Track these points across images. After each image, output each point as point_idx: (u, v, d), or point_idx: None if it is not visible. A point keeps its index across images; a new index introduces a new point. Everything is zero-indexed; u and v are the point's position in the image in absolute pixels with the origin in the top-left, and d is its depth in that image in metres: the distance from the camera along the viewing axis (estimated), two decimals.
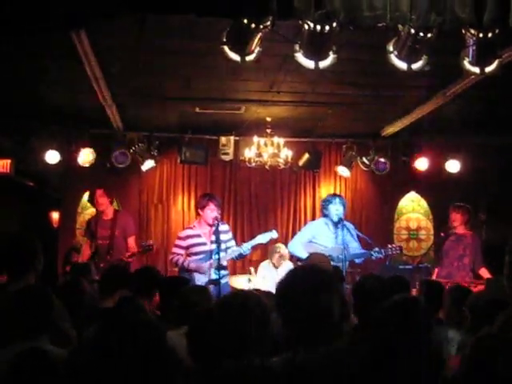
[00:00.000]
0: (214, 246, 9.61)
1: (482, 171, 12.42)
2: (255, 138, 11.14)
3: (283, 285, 3.31)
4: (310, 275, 3.24)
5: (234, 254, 9.79)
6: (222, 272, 9.41)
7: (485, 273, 9.89)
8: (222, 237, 9.60)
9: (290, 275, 3.33)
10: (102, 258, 10.05)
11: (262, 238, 10.02)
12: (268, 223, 12.73)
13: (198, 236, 9.94)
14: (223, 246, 9.56)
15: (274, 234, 10.11)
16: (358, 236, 10.17)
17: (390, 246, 10.26)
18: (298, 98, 10.23)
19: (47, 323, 4.40)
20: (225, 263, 9.70)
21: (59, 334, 4.63)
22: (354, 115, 11.17)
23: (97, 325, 3.08)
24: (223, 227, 10.03)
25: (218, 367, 3.25)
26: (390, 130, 11.95)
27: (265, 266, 11.11)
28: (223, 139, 11.88)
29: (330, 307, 3.14)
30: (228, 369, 3.16)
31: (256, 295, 3.65)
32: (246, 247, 9.86)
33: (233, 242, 10.16)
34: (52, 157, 11.22)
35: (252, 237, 11.92)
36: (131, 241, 10.54)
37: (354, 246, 10.00)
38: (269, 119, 11.16)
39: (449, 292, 6.35)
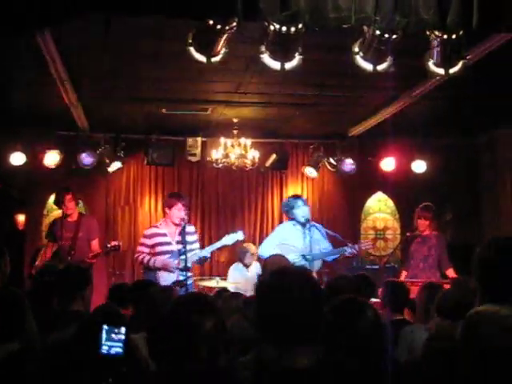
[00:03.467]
0: (179, 247, 9.56)
1: (447, 171, 12.54)
2: (222, 139, 11.15)
3: (265, 287, 3.29)
4: (295, 278, 3.24)
5: (194, 257, 9.69)
6: (188, 273, 9.39)
7: (452, 273, 9.94)
8: (188, 238, 9.55)
9: (274, 276, 3.32)
10: (64, 259, 9.91)
11: (228, 240, 9.94)
12: (235, 224, 12.74)
13: (164, 235, 9.84)
14: (188, 247, 9.47)
15: (239, 236, 9.99)
16: (327, 234, 10.14)
17: (362, 241, 10.30)
18: (265, 99, 10.26)
19: (21, 326, 4.37)
20: (189, 265, 9.61)
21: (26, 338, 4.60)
22: (321, 116, 11.21)
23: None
24: (190, 228, 9.97)
25: (180, 369, 3.25)
26: (357, 130, 12.02)
27: (235, 267, 11.06)
28: (190, 140, 11.88)
29: (311, 311, 3.14)
30: (190, 371, 3.16)
31: (210, 296, 3.66)
32: (207, 251, 9.84)
33: (197, 245, 10.05)
34: (17, 158, 11.17)
35: (219, 237, 11.93)
36: (95, 243, 10.39)
37: (325, 246, 10.00)
38: (236, 120, 11.18)
39: (422, 290, 6.36)
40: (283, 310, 3.06)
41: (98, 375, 3.23)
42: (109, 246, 10.07)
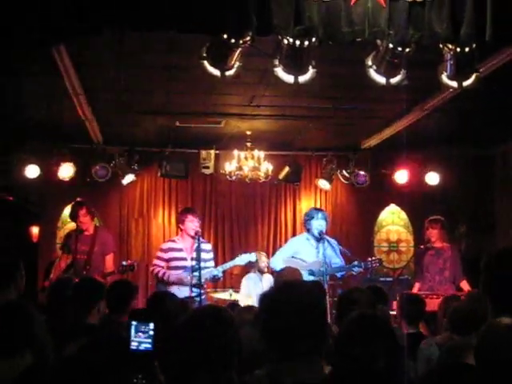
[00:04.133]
0: (193, 263, 9.63)
1: (461, 183, 12.51)
2: (235, 152, 11.16)
3: (268, 300, 3.31)
4: (298, 292, 3.25)
5: (207, 275, 9.77)
6: (200, 290, 9.45)
7: (466, 285, 9.92)
8: (203, 255, 9.63)
9: (276, 290, 3.33)
10: (79, 273, 9.90)
11: (241, 260, 10.08)
12: (248, 236, 12.78)
13: (180, 250, 9.94)
14: (202, 264, 9.56)
15: (252, 257, 10.16)
16: (340, 251, 10.17)
17: (369, 258, 10.28)
18: (278, 112, 10.28)
19: (28, 340, 4.38)
20: (202, 281, 9.67)
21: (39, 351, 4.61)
22: (334, 128, 11.22)
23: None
24: (206, 246, 10.10)
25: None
26: (370, 142, 12.01)
27: (248, 277, 11.00)
28: (203, 153, 11.89)
29: (313, 324, 3.15)
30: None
31: (226, 308, 3.67)
32: (218, 270, 9.91)
33: (212, 263, 10.15)
34: (32, 171, 11.22)
35: (232, 250, 12.04)
36: (109, 258, 10.36)
37: (336, 262, 10.01)
38: (249, 133, 11.19)
39: (443, 303, 6.35)
40: (285, 324, 3.08)
41: (129, 371, 3.26)
42: (124, 264, 10.07)
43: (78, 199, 10.67)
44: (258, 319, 3.34)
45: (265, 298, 3.35)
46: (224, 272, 10.36)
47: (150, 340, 3.29)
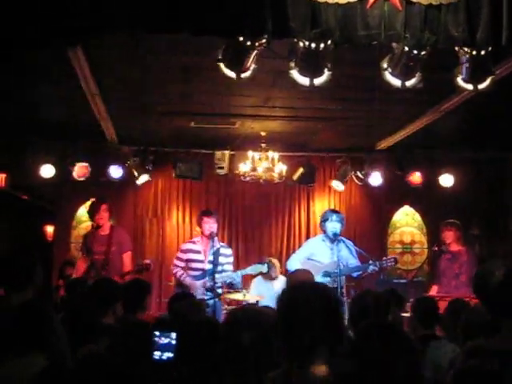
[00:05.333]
0: (210, 266, 9.78)
1: (475, 185, 12.49)
2: (250, 153, 11.16)
3: (287, 301, 3.32)
4: (314, 292, 3.27)
5: (224, 279, 9.92)
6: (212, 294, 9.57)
7: None
8: (221, 259, 9.79)
9: (295, 292, 3.35)
10: (98, 273, 9.97)
11: (253, 269, 10.24)
12: (262, 237, 12.80)
13: (198, 252, 10.13)
14: (219, 268, 9.68)
15: (264, 268, 10.36)
16: (356, 252, 10.20)
17: (384, 258, 10.32)
18: (293, 113, 10.28)
19: (45, 340, 4.41)
20: (218, 284, 9.76)
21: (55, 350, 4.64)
22: (348, 130, 11.21)
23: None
24: (226, 251, 10.28)
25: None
26: (384, 144, 11.99)
27: (258, 281, 11.05)
28: (218, 154, 11.89)
29: (327, 323, 3.17)
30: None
31: (264, 310, 3.70)
32: (238, 275, 10.07)
33: (230, 267, 10.32)
34: (47, 171, 11.29)
35: (246, 251, 12.14)
36: (126, 257, 10.43)
37: (352, 262, 10.05)
38: (263, 134, 11.19)
39: (448, 306, 6.36)
40: (299, 323, 3.10)
41: (151, 381, 3.28)
42: (141, 264, 10.11)
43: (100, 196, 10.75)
44: (276, 319, 3.34)
45: (283, 296, 3.36)
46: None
47: (172, 350, 3.31)
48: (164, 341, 3.35)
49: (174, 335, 3.34)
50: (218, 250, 9.75)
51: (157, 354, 3.34)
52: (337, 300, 3.35)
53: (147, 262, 10.22)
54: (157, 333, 3.35)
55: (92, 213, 10.48)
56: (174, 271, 10.24)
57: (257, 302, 9.59)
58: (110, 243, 10.30)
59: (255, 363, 3.33)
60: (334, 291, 6.04)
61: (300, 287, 3.33)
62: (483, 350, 3.59)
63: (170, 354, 3.33)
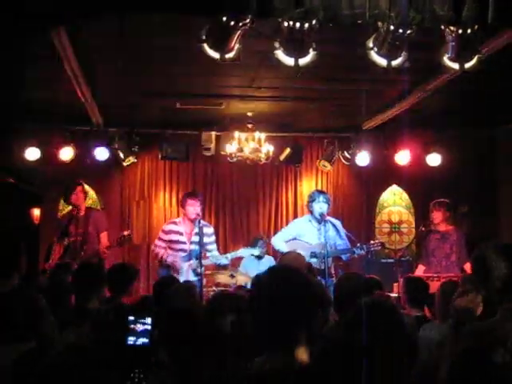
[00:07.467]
0: (193, 247, 9.75)
1: (463, 164, 12.50)
2: (236, 133, 11.13)
3: (260, 286, 3.27)
4: (294, 284, 3.21)
5: (213, 260, 9.90)
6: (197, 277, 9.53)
7: (469, 268, 9.88)
8: (205, 239, 9.74)
9: (268, 278, 3.28)
10: (77, 255, 9.94)
11: (243, 252, 10.21)
12: (250, 218, 12.79)
13: (180, 234, 10.04)
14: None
15: (256, 252, 10.37)
16: (345, 233, 10.20)
17: (371, 241, 10.32)
18: (279, 93, 10.24)
19: (33, 328, 4.39)
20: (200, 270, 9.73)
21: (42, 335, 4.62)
22: (335, 109, 11.18)
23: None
24: (208, 230, 10.20)
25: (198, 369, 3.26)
26: (371, 123, 11.95)
27: (248, 258, 11.06)
28: (204, 135, 11.84)
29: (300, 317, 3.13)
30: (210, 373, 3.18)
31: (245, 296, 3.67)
32: (227, 258, 10.06)
33: (214, 246, 10.29)
34: (32, 154, 11.22)
35: (234, 231, 12.14)
36: (103, 237, 10.41)
37: (340, 242, 10.05)
38: (250, 114, 11.16)
39: (439, 287, 6.35)
40: (277, 316, 3.05)
41: (126, 367, 3.25)
42: (121, 235, 10.07)
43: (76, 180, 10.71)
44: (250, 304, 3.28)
45: (259, 284, 3.30)
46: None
47: (147, 335, 3.28)
48: (139, 326, 3.31)
49: (149, 320, 3.31)
50: (201, 229, 9.67)
51: (131, 339, 3.30)
52: (317, 299, 3.29)
53: (126, 233, 10.14)
54: (131, 318, 3.31)
55: (67, 194, 10.43)
56: (156, 252, 10.19)
57: (245, 284, 9.55)
58: (87, 224, 10.27)
59: (235, 349, 3.31)
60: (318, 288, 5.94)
61: (279, 278, 3.26)
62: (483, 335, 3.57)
63: (146, 340, 3.29)
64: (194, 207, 9.94)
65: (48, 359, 3.68)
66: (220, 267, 10.26)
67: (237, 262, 11.02)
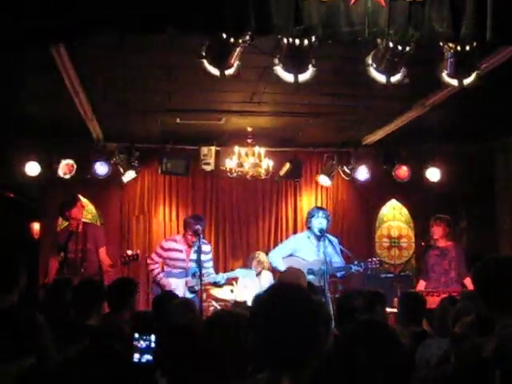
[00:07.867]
0: (190, 264, 9.78)
1: (462, 179, 12.50)
2: (236, 148, 11.12)
3: (261, 304, 3.25)
4: (295, 301, 3.19)
5: (209, 279, 9.94)
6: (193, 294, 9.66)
7: (469, 282, 9.87)
8: (202, 257, 9.73)
9: (269, 296, 3.26)
10: (76, 272, 9.88)
11: (240, 273, 10.25)
12: (249, 233, 12.77)
13: (180, 252, 10.09)
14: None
15: (251, 275, 10.47)
16: (341, 251, 10.21)
17: (369, 259, 10.33)
18: (279, 109, 10.25)
19: (32, 345, 4.38)
20: (197, 287, 9.70)
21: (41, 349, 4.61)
22: (335, 125, 11.19)
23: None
24: (206, 247, 10.23)
25: None
26: (371, 138, 11.98)
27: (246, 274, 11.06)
28: (204, 149, 11.84)
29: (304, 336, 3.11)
30: None
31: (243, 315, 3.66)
32: (223, 277, 10.13)
33: (210, 264, 10.34)
34: (32, 168, 11.22)
35: (233, 247, 12.15)
36: (102, 252, 10.41)
37: (337, 261, 10.06)
38: (250, 129, 11.16)
39: (440, 303, 6.35)
40: (274, 335, 3.03)
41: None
42: (125, 255, 10.04)
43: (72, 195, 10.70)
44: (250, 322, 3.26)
45: (259, 302, 3.27)
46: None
47: (150, 352, 3.28)
48: (143, 344, 3.32)
49: (153, 338, 3.31)
50: (199, 248, 9.69)
51: (136, 357, 3.30)
52: (318, 315, 3.27)
53: (133, 252, 10.11)
54: (136, 335, 3.32)
55: (63, 209, 10.38)
56: (151, 268, 10.23)
57: (245, 301, 9.55)
58: (86, 240, 10.24)
59: (233, 368, 3.30)
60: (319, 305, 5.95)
61: (280, 296, 3.24)
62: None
63: (150, 357, 3.29)
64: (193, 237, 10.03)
65: (48, 370, 3.69)
66: (215, 284, 10.29)
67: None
